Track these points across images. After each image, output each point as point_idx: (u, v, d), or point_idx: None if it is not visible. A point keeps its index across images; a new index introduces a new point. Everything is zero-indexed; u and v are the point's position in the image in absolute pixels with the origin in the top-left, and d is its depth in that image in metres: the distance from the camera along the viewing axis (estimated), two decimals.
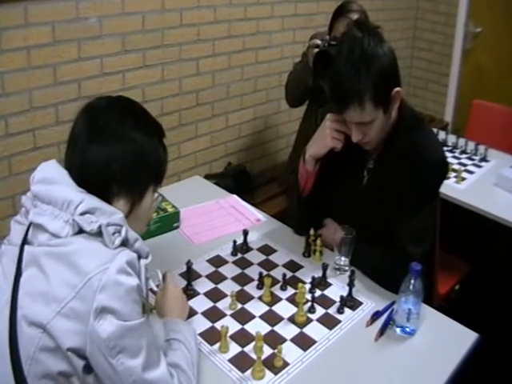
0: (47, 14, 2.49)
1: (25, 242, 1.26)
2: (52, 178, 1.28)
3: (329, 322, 1.67)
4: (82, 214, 1.21)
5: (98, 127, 1.29)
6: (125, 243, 1.25)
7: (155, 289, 1.53)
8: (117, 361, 1.15)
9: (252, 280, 1.83)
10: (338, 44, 1.79)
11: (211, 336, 1.58)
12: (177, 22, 3.04)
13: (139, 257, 1.28)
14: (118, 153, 1.28)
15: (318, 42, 2.56)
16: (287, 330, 1.62)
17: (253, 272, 1.86)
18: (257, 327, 1.59)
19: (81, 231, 1.21)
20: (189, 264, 1.75)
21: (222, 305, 1.71)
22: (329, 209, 2.01)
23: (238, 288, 1.78)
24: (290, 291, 1.78)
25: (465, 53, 4.83)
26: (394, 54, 1.71)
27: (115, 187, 1.29)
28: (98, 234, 1.21)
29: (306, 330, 1.63)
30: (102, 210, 1.24)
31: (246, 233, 1.99)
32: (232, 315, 1.67)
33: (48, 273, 1.17)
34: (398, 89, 1.72)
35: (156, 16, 2.92)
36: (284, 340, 1.58)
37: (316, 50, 2.54)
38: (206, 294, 1.76)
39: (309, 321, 1.67)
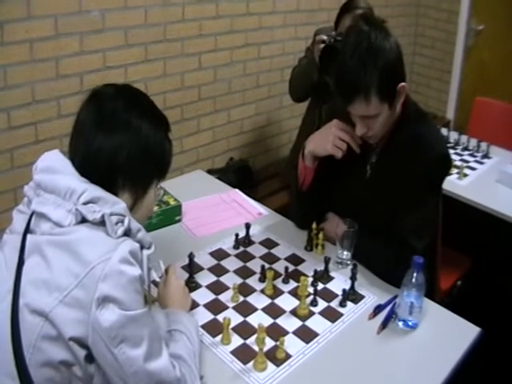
0: (50, 7, 2.49)
1: (27, 230, 1.25)
2: (55, 167, 1.27)
3: (331, 315, 1.67)
4: (85, 203, 1.21)
5: (104, 115, 1.29)
6: (127, 233, 1.25)
7: (158, 279, 1.53)
8: (118, 350, 1.15)
9: (254, 273, 1.83)
10: (343, 39, 1.79)
11: (213, 328, 1.58)
12: (179, 17, 3.05)
13: (142, 247, 1.28)
14: (125, 143, 1.27)
15: (325, 37, 2.57)
16: (289, 323, 1.62)
17: (255, 265, 1.86)
18: (259, 320, 1.59)
19: (84, 220, 1.21)
20: (191, 256, 1.75)
21: (224, 297, 1.71)
22: (331, 203, 2.01)
23: (240, 281, 1.78)
24: (292, 284, 1.78)
25: (467, 50, 4.83)
26: (400, 49, 1.70)
27: (120, 179, 1.29)
28: (101, 223, 1.20)
29: (308, 322, 1.63)
30: (104, 199, 1.23)
31: (248, 226, 1.99)
32: (234, 308, 1.67)
33: (51, 261, 1.17)
34: (403, 83, 1.72)
35: (158, 10, 2.93)
36: (286, 332, 1.58)
37: (322, 45, 2.54)
38: (208, 287, 1.75)
39: (311, 314, 1.66)
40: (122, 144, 1.27)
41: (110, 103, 1.31)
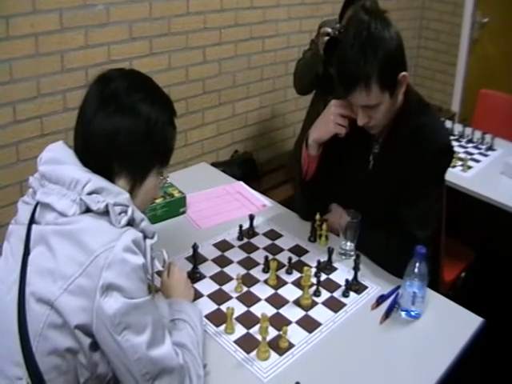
0: (55, 1, 2.50)
1: (32, 221, 1.27)
2: (59, 158, 1.29)
3: (334, 305, 1.68)
4: (89, 193, 1.22)
5: (106, 97, 1.29)
6: (131, 223, 1.25)
7: (161, 269, 1.51)
8: (122, 337, 1.16)
9: (258, 264, 1.84)
10: (344, 30, 1.80)
11: (217, 318, 1.59)
12: (183, 10, 3.06)
13: (145, 237, 1.29)
14: (123, 125, 1.27)
15: (329, 30, 2.58)
16: (292, 313, 1.63)
17: (258, 256, 1.87)
18: (262, 310, 1.60)
19: (88, 210, 1.22)
20: (195, 247, 1.76)
21: (228, 288, 1.72)
22: (334, 194, 2.01)
23: (243, 272, 1.79)
24: (296, 275, 1.79)
25: (472, 43, 4.82)
26: (401, 38, 1.71)
27: (117, 163, 1.29)
28: (105, 213, 1.21)
29: (311, 312, 1.64)
30: (108, 190, 1.24)
31: (252, 218, 2.00)
32: (238, 298, 1.68)
33: (55, 251, 1.18)
34: (404, 73, 1.72)
35: (163, 4, 2.93)
36: (289, 322, 1.59)
37: (327, 37, 2.55)
38: (212, 277, 1.77)
39: (314, 304, 1.68)
40: (121, 126, 1.27)
41: (113, 85, 1.30)
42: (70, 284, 1.15)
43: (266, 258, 1.81)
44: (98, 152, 1.28)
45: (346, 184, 1.95)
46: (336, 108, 1.83)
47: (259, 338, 1.48)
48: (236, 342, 1.52)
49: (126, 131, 1.28)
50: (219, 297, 1.68)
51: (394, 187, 1.81)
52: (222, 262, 1.85)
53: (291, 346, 1.51)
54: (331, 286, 1.76)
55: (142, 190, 1.36)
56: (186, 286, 1.63)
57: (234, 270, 1.79)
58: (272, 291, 1.72)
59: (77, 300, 1.15)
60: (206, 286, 1.73)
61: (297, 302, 1.68)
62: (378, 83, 1.65)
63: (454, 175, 2.68)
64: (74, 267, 1.15)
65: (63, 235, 1.19)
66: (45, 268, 1.18)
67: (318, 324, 1.60)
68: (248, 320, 1.59)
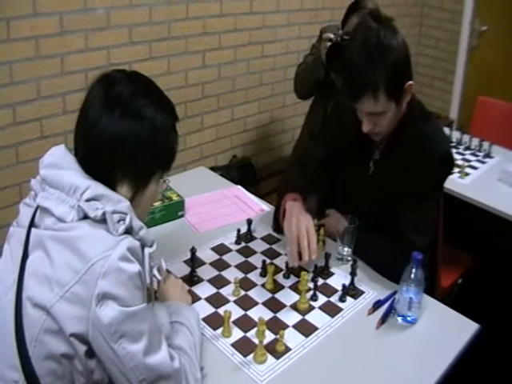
0: (55, 4, 2.51)
1: (32, 224, 1.26)
2: (60, 163, 1.27)
3: (331, 310, 1.68)
4: (88, 200, 1.21)
5: (111, 101, 1.27)
6: (129, 231, 1.23)
7: (159, 277, 1.49)
8: (118, 346, 1.15)
9: (255, 268, 1.84)
10: (351, 36, 1.80)
11: (214, 321, 1.59)
12: (183, 15, 3.07)
13: (144, 245, 1.27)
14: (128, 131, 1.26)
15: (332, 35, 2.60)
16: (289, 317, 1.64)
17: (256, 260, 1.87)
18: (259, 313, 1.60)
19: (86, 217, 1.20)
20: (193, 250, 1.77)
21: (226, 291, 1.72)
22: (333, 199, 2.02)
23: (241, 275, 1.79)
24: (293, 279, 1.79)
25: (470, 50, 4.84)
26: (407, 47, 1.71)
27: (121, 169, 1.28)
28: (103, 220, 1.20)
29: (307, 317, 1.65)
30: (108, 197, 1.23)
31: (249, 222, 2.01)
32: (235, 301, 1.68)
33: (53, 257, 1.17)
34: (410, 82, 1.73)
35: (163, 8, 2.95)
36: (286, 326, 1.60)
37: (329, 43, 2.57)
38: (210, 281, 1.77)
39: (311, 308, 1.68)
40: (126, 132, 1.25)
41: (117, 89, 1.28)
42: (66, 291, 1.14)
43: (264, 262, 1.82)
44: (101, 158, 1.27)
45: (346, 189, 1.96)
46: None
47: (256, 341, 1.48)
48: (233, 345, 1.52)
49: (131, 137, 1.26)
50: (217, 300, 1.69)
51: (392, 193, 1.82)
52: (220, 265, 1.85)
53: (288, 349, 1.52)
54: (328, 290, 1.77)
55: (144, 197, 1.34)
56: (183, 290, 1.63)
57: (232, 274, 1.79)
58: (269, 295, 1.72)
59: (73, 308, 1.14)
60: (204, 290, 1.73)
61: (294, 307, 1.68)
62: (385, 91, 1.65)
63: (452, 182, 2.68)
64: (71, 274, 1.14)
65: (60, 241, 1.18)
66: (42, 273, 1.18)
67: (315, 328, 1.61)
68: (245, 323, 1.60)
